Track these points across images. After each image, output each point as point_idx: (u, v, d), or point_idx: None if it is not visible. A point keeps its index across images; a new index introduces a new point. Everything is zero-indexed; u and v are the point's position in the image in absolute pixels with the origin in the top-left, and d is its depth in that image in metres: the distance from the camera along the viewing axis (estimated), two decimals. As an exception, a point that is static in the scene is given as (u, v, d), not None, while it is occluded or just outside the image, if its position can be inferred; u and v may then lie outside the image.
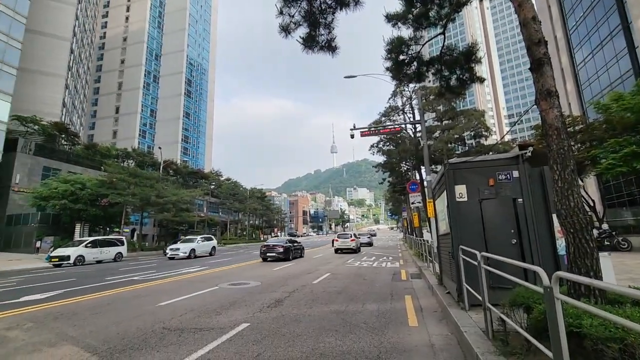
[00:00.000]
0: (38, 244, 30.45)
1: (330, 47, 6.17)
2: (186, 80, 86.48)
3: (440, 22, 7.26)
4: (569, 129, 15.74)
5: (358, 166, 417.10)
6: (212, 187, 62.45)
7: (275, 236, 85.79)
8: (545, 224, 5.63)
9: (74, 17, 49.39)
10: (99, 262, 22.00)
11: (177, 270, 15.29)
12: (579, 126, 20.38)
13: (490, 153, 23.07)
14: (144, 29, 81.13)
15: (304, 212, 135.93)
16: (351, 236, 26.93)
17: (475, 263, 4.35)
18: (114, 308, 7.43)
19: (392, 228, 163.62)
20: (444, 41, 7.60)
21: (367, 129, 18.94)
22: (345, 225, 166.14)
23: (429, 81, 10.88)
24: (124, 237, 26.75)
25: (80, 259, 20.72)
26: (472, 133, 28.53)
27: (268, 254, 19.47)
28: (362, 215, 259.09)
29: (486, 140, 30.15)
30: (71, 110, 53.14)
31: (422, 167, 25.30)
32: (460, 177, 6.19)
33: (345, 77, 17.66)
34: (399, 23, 7.38)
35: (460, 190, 6.10)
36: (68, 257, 20.12)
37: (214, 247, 27.39)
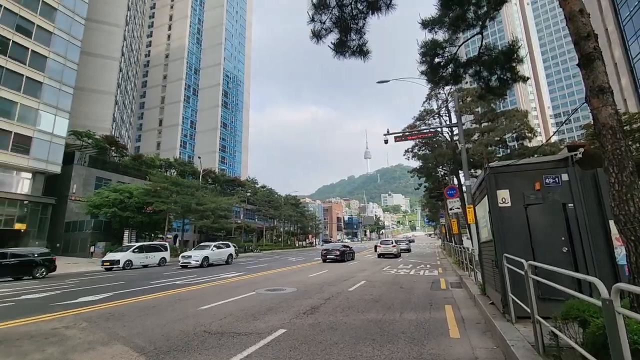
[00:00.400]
0: (92, 248, 32.84)
1: (361, 51, 6.16)
2: (223, 92, 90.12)
3: (478, 23, 7.02)
4: (625, 128, 14.51)
5: (392, 172, 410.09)
6: (248, 194, 64.19)
7: (309, 243, 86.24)
8: (600, 231, 5.19)
9: (122, 39, 53.38)
10: (145, 266, 23.29)
11: (216, 275, 15.80)
12: (637, 124, 18.71)
13: (535, 156, 21.78)
14: (184, 45, 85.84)
15: (338, 219, 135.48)
16: (392, 243, 30.63)
17: (522, 272, 4.10)
18: (159, 311, 7.81)
19: (429, 235, 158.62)
20: (482, 41, 7.33)
21: (401, 134, 18.60)
22: (381, 232, 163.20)
23: (466, 82, 10.53)
24: (167, 243, 28.14)
25: (129, 263, 22.04)
26: (514, 135, 27.07)
27: (328, 256, 23.85)
28: (398, 222, 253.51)
29: (530, 142, 28.49)
30: (120, 124, 57.19)
31: (460, 172, 24.40)
32: (503, 182, 5.88)
33: (378, 82, 17.52)
34: (435, 28, 7.23)
35: (503, 196, 5.80)
36: (118, 262, 21.48)
37: (230, 255, 25.16)
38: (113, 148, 46.40)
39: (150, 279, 15.18)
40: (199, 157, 51.61)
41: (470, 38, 7.95)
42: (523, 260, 4.10)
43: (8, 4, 32.88)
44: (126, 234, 33.12)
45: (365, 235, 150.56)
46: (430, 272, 16.08)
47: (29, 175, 34.73)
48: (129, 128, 68.77)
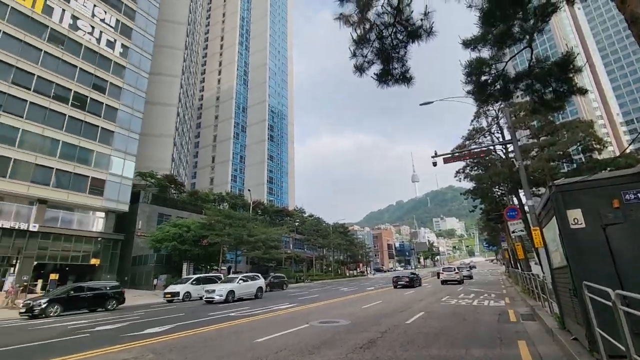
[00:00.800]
0: (155, 281, 34.94)
1: (405, 78, 6.18)
2: (269, 126, 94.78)
3: (526, 37, 6.75)
4: None
5: (443, 194, 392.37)
6: (297, 224, 64.99)
7: (360, 272, 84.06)
8: None
9: (179, 87, 59.11)
10: (202, 298, 24.14)
11: (268, 307, 15.87)
12: None
13: (609, 169, 19.66)
14: (233, 87, 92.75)
15: (389, 246, 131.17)
16: (455, 269, 32.80)
17: (609, 303, 3.59)
18: (218, 343, 7.97)
19: (491, 260, 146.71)
20: (532, 54, 7.01)
21: (450, 155, 17.93)
22: (435, 259, 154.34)
23: (517, 96, 10.00)
24: (222, 275, 29.08)
25: (187, 295, 23.03)
26: (580, 147, 24.77)
27: (399, 282, 27.64)
28: (454, 247, 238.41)
29: (600, 154, 25.85)
30: (178, 163, 62.09)
31: (520, 191, 22.67)
32: (573, 200, 5.32)
33: (422, 105, 17.30)
34: (478, 46, 7.08)
35: (575, 216, 5.23)
36: (178, 294, 22.55)
37: (260, 289, 23.04)
38: (172, 186, 50.22)
39: (206, 310, 15.66)
40: (249, 190, 53.94)
41: (518, 53, 7.64)
42: (609, 290, 3.61)
43: (85, 66, 38.25)
44: (185, 266, 34.91)
45: (419, 262, 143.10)
46: (496, 303, 14.73)
47: (103, 214, 38.55)
48: (186, 166, 74.30)
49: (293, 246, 61.01)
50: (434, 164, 18.09)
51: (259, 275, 24.87)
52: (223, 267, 38.91)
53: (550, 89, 7.30)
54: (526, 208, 15.65)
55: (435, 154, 17.68)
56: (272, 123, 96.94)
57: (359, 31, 5.83)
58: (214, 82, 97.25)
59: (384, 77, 6.22)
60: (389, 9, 5.59)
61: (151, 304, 21.96)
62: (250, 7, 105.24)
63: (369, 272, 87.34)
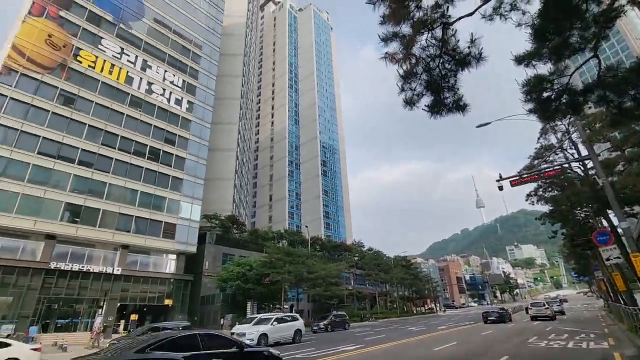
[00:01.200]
0: (222, 320, 35.92)
1: (458, 107, 5.94)
2: (321, 162, 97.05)
3: (588, 45, 6.20)
4: None
5: (514, 219, 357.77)
6: (356, 258, 63.52)
7: (429, 309, 78.36)
8: None
9: (237, 132, 63.83)
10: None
11: (335, 349, 15.25)
12: None
13: None
14: (285, 128, 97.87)
15: (458, 279, 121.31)
16: (544, 304, 31.73)
17: None
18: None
19: (585, 293, 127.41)
20: (600, 63, 6.38)
21: (517, 177, 16.57)
22: (515, 292, 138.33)
23: (589, 107, 9.06)
24: (296, 314, 28.88)
25: (264, 337, 23.10)
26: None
27: (488, 317, 29.07)
28: (535, 279, 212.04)
29: None
30: (239, 204, 65.54)
31: (610, 212, 19.87)
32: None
33: (478, 127, 16.46)
34: (533, 61, 6.66)
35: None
36: (244, 334, 22.74)
37: (298, 332, 20.70)
38: (234, 226, 52.74)
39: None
40: (306, 226, 54.67)
41: (584, 63, 7.01)
42: None
43: (158, 123, 43.28)
44: (249, 305, 35.53)
45: (495, 296, 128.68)
46: (598, 344, 12.54)
47: (174, 256, 41.47)
48: (246, 206, 78.08)
49: (354, 282, 59.31)
50: (500, 188, 16.83)
51: (297, 316, 22.81)
52: (285, 306, 38.91)
53: (630, 96, 6.51)
54: (619, 230, 13.61)
55: (500, 177, 16.49)
56: (324, 158, 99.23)
57: (405, 67, 5.83)
58: (268, 124, 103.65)
59: (435, 108, 6.04)
60: (433, 41, 5.54)
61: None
62: (297, 53, 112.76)
63: (438, 308, 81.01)
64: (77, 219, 34.03)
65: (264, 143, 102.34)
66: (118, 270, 35.58)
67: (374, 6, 5.22)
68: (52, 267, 31.56)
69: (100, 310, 34.03)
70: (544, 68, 7.16)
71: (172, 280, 40.22)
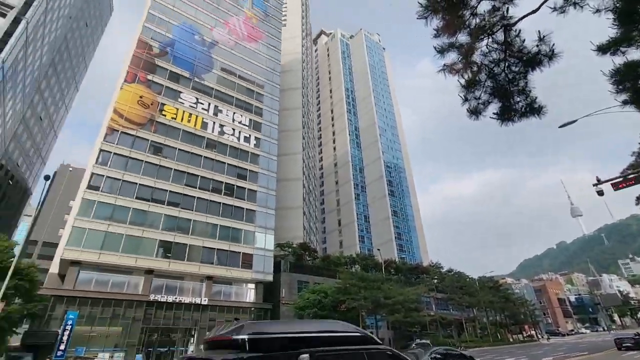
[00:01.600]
0: (301, 349, 35.93)
1: (532, 109, 5.33)
2: (387, 182, 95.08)
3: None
4: None
5: (624, 228, 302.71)
6: (435, 281, 59.50)
7: (528, 336, 69.23)
8: None
9: (302, 161, 66.24)
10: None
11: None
12: None
13: None
14: (347, 152, 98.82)
15: (560, 301, 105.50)
16: None
17: None
18: None
19: None
20: None
21: (621, 179, 14.25)
22: (639, 316, 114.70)
23: None
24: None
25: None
26: None
27: (623, 344, 28.57)
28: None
29: None
30: (309, 231, 66.77)
31: None
32: None
33: (561, 127, 14.66)
34: (621, 47, 5.79)
35: None
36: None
37: None
38: (306, 253, 53.59)
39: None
40: (378, 249, 53.30)
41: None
42: None
43: (231, 161, 47.03)
44: (326, 333, 35.08)
45: (613, 320, 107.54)
46: None
47: (253, 285, 43.32)
48: (316, 233, 79.17)
49: (436, 307, 55.31)
50: (600, 193, 14.66)
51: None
52: (363, 334, 37.59)
53: None
54: None
55: (598, 180, 14.41)
56: (390, 178, 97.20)
57: (466, 76, 5.48)
58: (330, 150, 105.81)
59: (506, 115, 5.50)
60: (495, 46, 5.13)
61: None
62: (352, 78, 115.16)
63: (540, 335, 70.94)
64: (169, 254, 37.81)
65: (328, 169, 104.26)
66: (205, 300, 38.20)
67: (426, 20, 5.06)
68: (151, 299, 35.14)
69: (192, 339, 36.62)
70: (635, 53, 6.19)
71: (252, 309, 41.81)
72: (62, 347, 25.51)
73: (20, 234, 66.14)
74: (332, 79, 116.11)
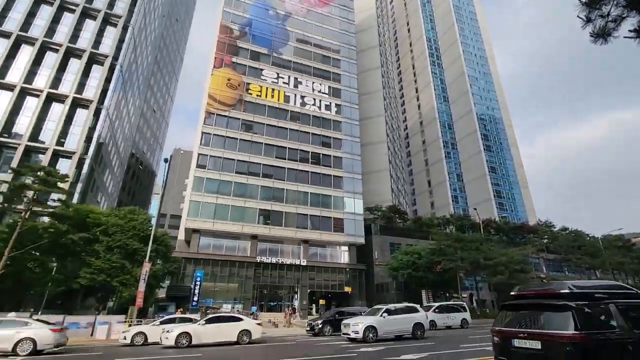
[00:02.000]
0: (398, 308, 36.71)
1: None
2: (482, 136, 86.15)
3: None
4: None
5: None
6: (545, 241, 53.46)
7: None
8: None
9: (385, 123, 64.16)
10: (448, 327, 23.14)
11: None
12: None
13: None
14: (434, 107, 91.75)
15: None
16: None
17: None
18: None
19: None
20: None
21: None
22: None
23: None
24: (464, 303, 27.12)
25: (432, 324, 22.65)
26: None
27: None
28: None
29: None
30: (397, 193, 65.63)
31: None
32: None
33: None
34: None
35: None
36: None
37: (419, 325, 16.84)
38: (396, 215, 53.11)
39: (459, 342, 14.71)
40: (475, 209, 49.68)
41: None
42: None
43: (314, 130, 48.17)
44: (423, 293, 35.00)
45: None
46: None
47: (346, 248, 45.13)
48: (405, 195, 77.43)
49: (546, 269, 50.08)
50: None
51: (417, 306, 18.63)
52: (464, 295, 36.43)
53: None
54: None
55: None
56: (484, 132, 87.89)
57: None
58: (414, 109, 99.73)
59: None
60: None
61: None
62: (434, 25, 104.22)
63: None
64: (268, 221, 41.56)
65: (414, 128, 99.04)
66: (304, 261, 41.39)
67: None
68: (258, 261, 39.56)
69: (296, 295, 40.48)
70: None
71: (347, 269, 43.86)
72: (195, 298, 30.78)
73: (153, 209, 79.98)
74: (410, 30, 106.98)
